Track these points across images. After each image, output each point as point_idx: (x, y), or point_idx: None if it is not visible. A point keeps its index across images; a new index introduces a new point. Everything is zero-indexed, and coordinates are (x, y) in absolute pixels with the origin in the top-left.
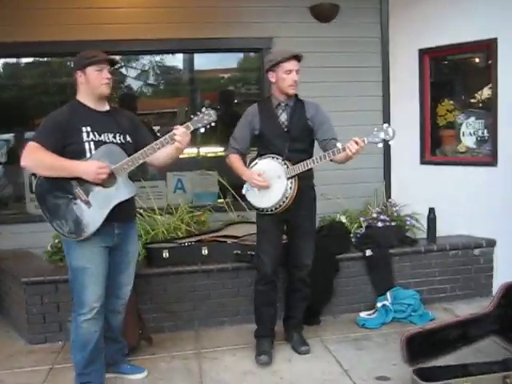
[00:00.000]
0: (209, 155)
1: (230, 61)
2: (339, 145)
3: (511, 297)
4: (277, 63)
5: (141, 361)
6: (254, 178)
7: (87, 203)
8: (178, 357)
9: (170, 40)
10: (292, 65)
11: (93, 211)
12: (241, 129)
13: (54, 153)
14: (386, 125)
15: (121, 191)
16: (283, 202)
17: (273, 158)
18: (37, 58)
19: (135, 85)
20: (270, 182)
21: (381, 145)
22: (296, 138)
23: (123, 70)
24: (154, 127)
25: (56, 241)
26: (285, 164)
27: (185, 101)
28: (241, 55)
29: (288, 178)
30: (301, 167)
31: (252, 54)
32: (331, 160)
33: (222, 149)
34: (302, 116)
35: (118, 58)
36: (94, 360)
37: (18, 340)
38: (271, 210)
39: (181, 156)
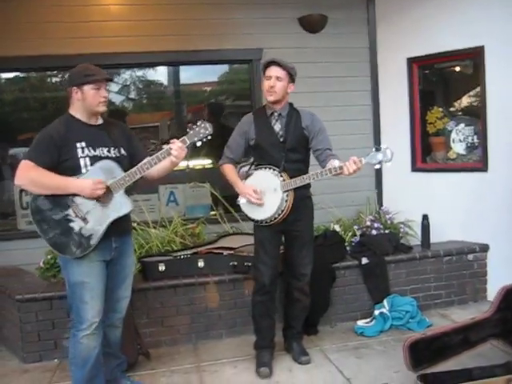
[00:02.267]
0: (201, 167)
1: (216, 73)
2: (336, 163)
3: (510, 300)
4: (262, 70)
5: (140, 376)
6: (248, 194)
7: (84, 220)
8: (178, 371)
9: (157, 53)
10: (270, 71)
11: (90, 227)
12: (236, 138)
13: (48, 169)
14: (384, 146)
15: (117, 207)
16: (278, 215)
17: (269, 169)
18: (17, 73)
19: (117, 99)
20: (265, 193)
21: (378, 166)
22: (292, 149)
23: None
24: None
25: (49, 257)
26: (281, 176)
27: (168, 114)
28: (226, 67)
29: (284, 192)
30: (297, 182)
31: (241, 65)
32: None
33: (211, 161)
34: (298, 125)
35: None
36: (94, 377)
37: (11, 359)
38: (266, 222)
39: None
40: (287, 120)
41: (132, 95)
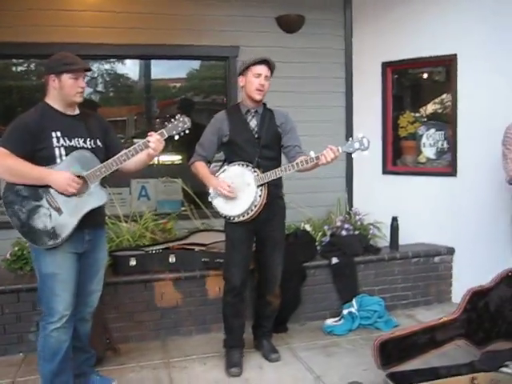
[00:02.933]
0: (173, 163)
1: (187, 70)
2: (312, 153)
3: (476, 302)
4: (247, 67)
5: (109, 371)
6: (221, 187)
7: (58, 210)
8: (147, 367)
9: (129, 45)
10: (261, 69)
11: (63, 218)
12: (208, 136)
13: (23, 158)
14: (361, 135)
15: (93, 198)
16: (251, 210)
17: (242, 165)
18: None
19: (86, 91)
20: (238, 189)
21: (355, 155)
22: (266, 145)
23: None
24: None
25: (16, 248)
26: (255, 171)
27: (137, 109)
28: (198, 64)
29: (258, 186)
30: (272, 175)
31: (214, 62)
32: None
33: (181, 157)
34: (272, 123)
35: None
36: (62, 371)
37: None
38: (238, 218)
39: None
40: (262, 117)
41: (100, 88)
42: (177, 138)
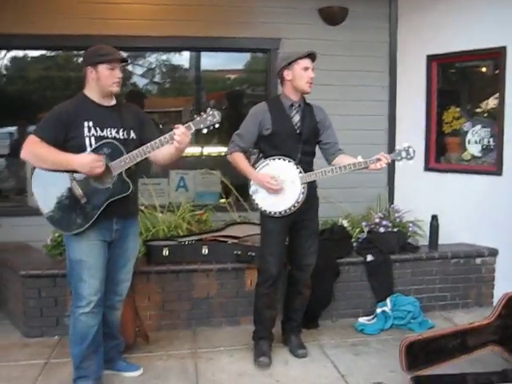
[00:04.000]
0: (212, 155)
1: (236, 61)
2: (360, 158)
3: None
4: (294, 60)
5: (137, 358)
6: (267, 181)
7: (82, 198)
8: (174, 356)
9: (177, 38)
10: (308, 62)
11: (87, 206)
12: (248, 127)
13: (54, 146)
14: (407, 144)
15: (117, 188)
16: (294, 207)
17: (284, 160)
18: (43, 52)
19: (141, 82)
20: (282, 185)
21: (401, 163)
22: (307, 141)
23: (129, 67)
24: (159, 125)
25: (56, 235)
26: (298, 168)
27: (190, 100)
28: (247, 56)
29: (302, 184)
30: (318, 175)
31: (259, 54)
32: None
33: (225, 149)
34: (313, 119)
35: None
36: (91, 354)
37: (13, 332)
38: (280, 214)
39: (184, 154)
40: (304, 112)
41: (156, 79)
42: (205, 131)
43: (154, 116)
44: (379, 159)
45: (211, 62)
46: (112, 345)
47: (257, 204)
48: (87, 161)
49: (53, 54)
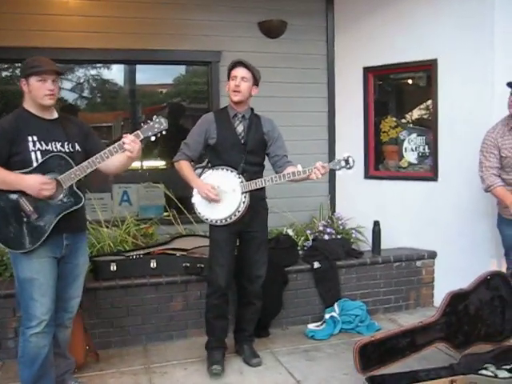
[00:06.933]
0: (154, 168)
1: (173, 74)
2: (299, 167)
3: (455, 305)
4: (228, 72)
5: (89, 378)
6: (206, 190)
7: (32, 214)
8: (127, 372)
9: (112, 50)
10: (236, 71)
11: (38, 222)
12: (195, 136)
13: None
14: (347, 154)
15: (68, 202)
16: (234, 216)
17: (227, 169)
18: None
19: (71, 97)
20: (223, 194)
21: (340, 172)
22: (252, 151)
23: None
24: None
25: None
26: (239, 177)
27: (121, 114)
28: (182, 69)
29: (242, 193)
30: (258, 184)
31: (198, 67)
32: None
33: (165, 162)
34: (259, 130)
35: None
36: (42, 377)
37: None
38: (220, 222)
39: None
40: (249, 123)
41: (86, 93)
42: (153, 139)
43: None
44: (317, 168)
45: (147, 75)
46: (63, 365)
47: (199, 212)
48: (35, 184)
49: None
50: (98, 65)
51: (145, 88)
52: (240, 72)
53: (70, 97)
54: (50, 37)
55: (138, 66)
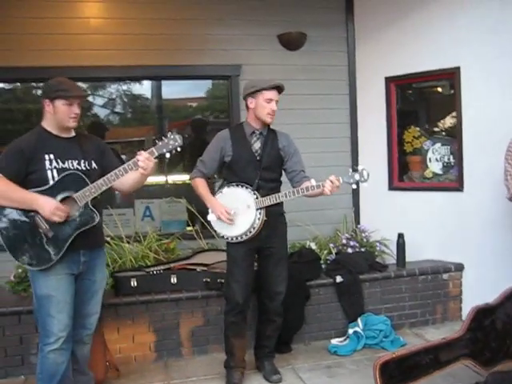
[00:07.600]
0: (177, 183)
1: (197, 89)
2: (313, 181)
3: (481, 320)
4: (259, 90)
5: None
6: (219, 212)
7: (48, 232)
8: None
9: (137, 67)
10: (273, 94)
11: (54, 240)
12: (211, 153)
13: (15, 181)
14: (361, 167)
15: (83, 219)
16: (250, 232)
17: (242, 186)
18: (1, 85)
19: (102, 113)
20: (238, 210)
21: (355, 186)
22: (267, 167)
23: (90, 98)
24: (121, 155)
25: (19, 270)
26: (254, 194)
27: (152, 129)
28: (209, 83)
29: (257, 209)
30: (272, 200)
31: (220, 81)
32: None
33: (188, 176)
34: (275, 146)
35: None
36: None
37: None
38: (236, 239)
39: (149, 183)
40: (265, 139)
41: (117, 109)
42: (168, 156)
43: (116, 146)
44: (330, 182)
45: (172, 90)
46: (82, 381)
47: (215, 230)
48: (48, 208)
49: (11, 86)
50: (127, 81)
51: (171, 102)
52: (276, 96)
53: (103, 113)
54: (77, 55)
55: (164, 82)
